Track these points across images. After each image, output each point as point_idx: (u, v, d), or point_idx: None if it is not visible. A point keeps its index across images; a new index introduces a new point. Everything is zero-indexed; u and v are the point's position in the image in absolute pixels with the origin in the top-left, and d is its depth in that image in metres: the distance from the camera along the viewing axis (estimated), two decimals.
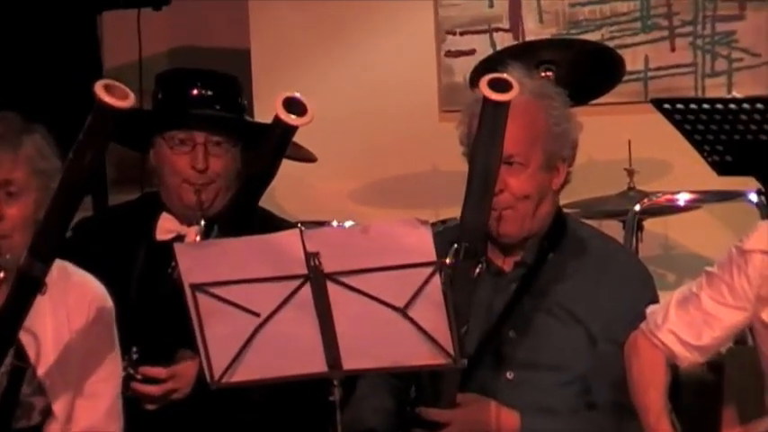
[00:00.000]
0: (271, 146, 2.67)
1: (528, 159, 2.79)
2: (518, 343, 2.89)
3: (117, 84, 2.29)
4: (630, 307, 2.86)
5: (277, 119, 2.45)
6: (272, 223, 3.12)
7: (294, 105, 2.50)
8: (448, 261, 2.33)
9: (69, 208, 2.42)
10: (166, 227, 3.11)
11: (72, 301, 2.68)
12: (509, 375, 2.85)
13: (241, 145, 3.17)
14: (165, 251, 2.58)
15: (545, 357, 2.92)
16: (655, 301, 2.85)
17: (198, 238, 2.88)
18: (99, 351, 2.72)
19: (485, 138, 2.58)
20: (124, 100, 2.24)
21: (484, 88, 2.46)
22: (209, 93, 3.20)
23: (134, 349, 2.91)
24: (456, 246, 2.48)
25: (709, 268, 2.72)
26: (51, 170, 2.57)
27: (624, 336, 2.83)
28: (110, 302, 2.70)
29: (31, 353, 2.61)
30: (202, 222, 2.97)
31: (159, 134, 3.15)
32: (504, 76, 2.59)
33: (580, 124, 2.96)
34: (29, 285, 2.39)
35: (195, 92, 3.19)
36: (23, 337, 2.54)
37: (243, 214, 2.77)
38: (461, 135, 2.82)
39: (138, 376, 2.89)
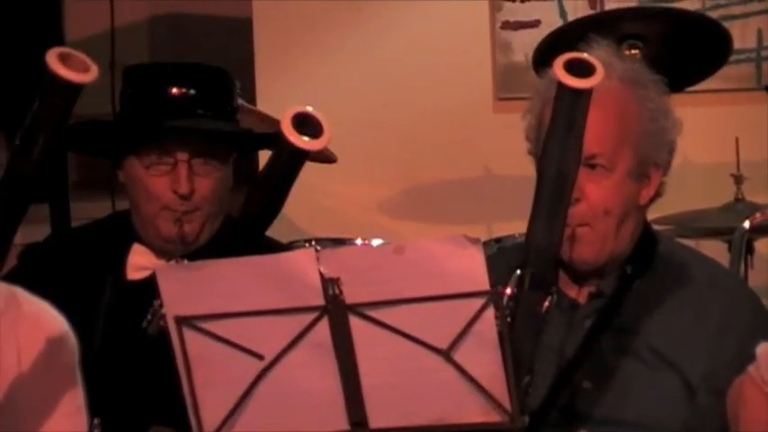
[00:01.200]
0: (275, 175, 2.61)
1: (614, 162, 2.78)
2: (595, 395, 2.86)
3: (75, 53, 2.26)
4: (741, 349, 2.79)
5: (284, 141, 2.40)
6: (275, 250, 2.96)
7: (306, 122, 2.46)
8: (508, 291, 2.29)
9: (15, 212, 2.35)
10: (139, 263, 3.08)
11: (23, 337, 2.64)
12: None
13: (234, 157, 3.14)
14: (138, 292, 2.67)
15: (629, 413, 2.87)
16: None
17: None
18: (57, 402, 2.68)
19: (560, 133, 2.50)
20: (84, 73, 2.20)
21: (559, 71, 2.41)
22: (193, 92, 3.14)
23: (95, 422, 2.83)
24: (520, 272, 2.41)
25: None
26: None
27: (728, 382, 2.77)
28: (72, 339, 2.65)
29: None
30: (185, 261, 2.82)
31: (130, 151, 3.11)
32: (586, 56, 2.52)
33: (680, 122, 2.94)
34: None
35: (175, 91, 3.14)
36: None
37: (240, 242, 2.67)
38: (528, 128, 2.80)
39: None
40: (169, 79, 3.27)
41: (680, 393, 2.89)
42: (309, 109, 2.53)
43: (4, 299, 2.62)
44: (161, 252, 3.16)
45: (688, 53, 4.29)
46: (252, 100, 4.90)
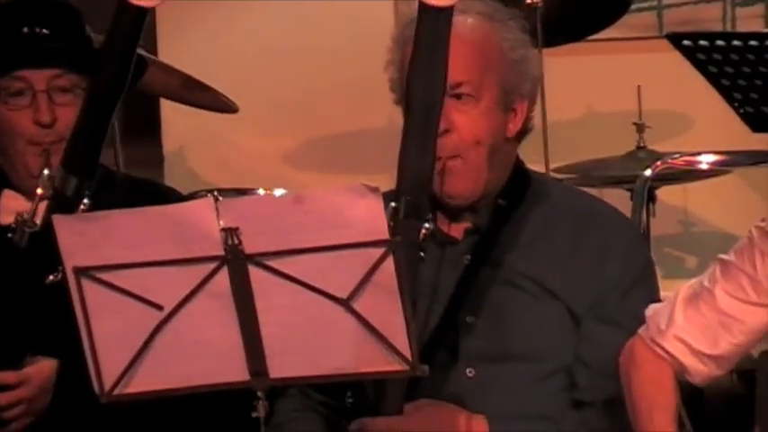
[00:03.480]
0: (117, 41, 2.71)
1: (480, 92, 2.83)
2: (478, 329, 2.90)
3: None
4: (623, 274, 2.92)
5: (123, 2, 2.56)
6: (176, 200, 3.08)
7: None
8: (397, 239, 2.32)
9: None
10: (11, 206, 3.04)
11: None
12: (469, 373, 2.85)
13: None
14: (14, 235, 2.68)
15: (515, 345, 2.92)
16: (654, 294, 2.93)
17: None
18: None
19: (424, 57, 2.57)
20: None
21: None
22: (45, 31, 3.17)
23: None
24: (394, 203, 2.47)
25: (724, 256, 2.72)
26: None
27: (617, 313, 2.90)
28: None
29: None
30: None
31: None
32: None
33: (540, 58, 3.12)
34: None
35: (26, 30, 3.18)
36: None
37: (92, 150, 2.80)
38: (391, 81, 2.89)
39: None
40: (21, 18, 3.32)
41: (565, 322, 2.95)
42: None
43: None
44: (33, 192, 3.03)
45: (590, 2, 4.44)
46: (153, 50, 4.99)
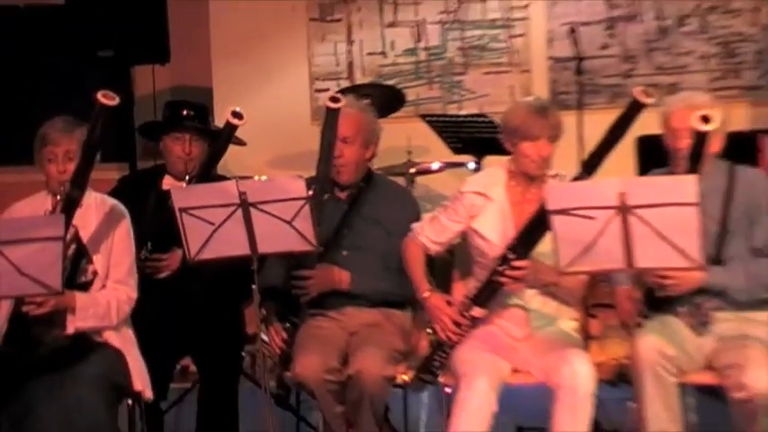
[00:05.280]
0: (221, 138, 4.97)
1: (354, 140, 4.96)
2: (349, 236, 5.08)
3: (110, 92, 4.27)
4: (407, 218, 5.05)
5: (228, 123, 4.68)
6: (222, 179, 5.07)
7: (237, 114, 4.75)
8: (310, 192, 4.35)
9: (90, 159, 4.42)
10: (168, 182, 5.46)
11: (106, 212, 4.67)
12: (344, 253, 5.06)
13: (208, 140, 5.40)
14: (167, 194, 4.68)
15: (364, 243, 5.09)
16: (418, 218, 5.01)
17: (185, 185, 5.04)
18: (119, 240, 4.69)
19: (328, 127, 4.77)
20: (112, 100, 4.27)
21: (326, 101, 4.75)
22: (191, 113, 5.69)
23: (149, 244, 5.22)
24: (314, 185, 4.60)
25: (445, 202, 4.91)
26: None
27: (404, 232, 4.95)
28: (126, 215, 4.72)
29: (86, 238, 4.57)
30: (186, 178, 5.21)
31: (166, 134, 5.54)
32: (337, 94, 4.89)
33: (381, 126, 5.16)
34: (71, 203, 4.37)
35: (184, 113, 5.71)
36: (82, 233, 4.53)
37: (207, 173, 5.01)
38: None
39: (153, 256, 5.23)
40: (182, 107, 5.73)
41: (383, 236, 5.06)
42: (238, 108, 4.77)
43: (100, 198, 4.71)
44: (177, 178, 5.41)
45: (387, 100, 7.36)
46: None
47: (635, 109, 4.56)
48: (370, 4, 8.14)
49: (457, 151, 7.07)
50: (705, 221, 4.09)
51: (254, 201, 4.40)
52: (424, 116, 7.36)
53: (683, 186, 4.01)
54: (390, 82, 7.98)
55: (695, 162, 4.34)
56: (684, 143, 4.48)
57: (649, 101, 4.52)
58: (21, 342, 4.52)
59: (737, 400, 4.37)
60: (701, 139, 4.32)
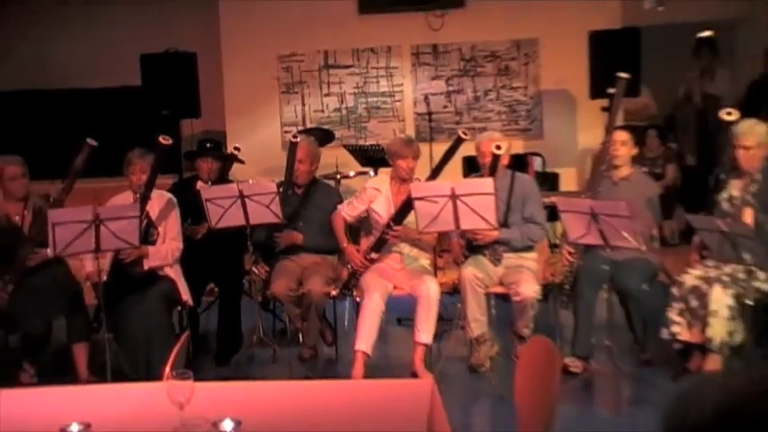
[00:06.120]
0: (228, 160, 5.17)
1: (305, 160, 5.04)
2: (302, 214, 5.13)
3: (167, 136, 4.53)
4: (334, 203, 5.07)
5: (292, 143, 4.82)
6: (229, 182, 5.20)
7: (237, 149, 5.03)
8: (280, 190, 4.65)
9: (155, 173, 4.64)
10: (199, 185, 5.27)
11: (164, 200, 4.83)
12: (300, 224, 5.10)
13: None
14: (198, 191, 4.81)
15: (310, 217, 5.11)
16: (341, 203, 5.09)
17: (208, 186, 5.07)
18: (172, 217, 4.84)
19: (290, 153, 4.99)
20: (167, 141, 4.54)
21: (290, 138, 5.03)
22: (212, 146, 5.60)
23: (189, 219, 5.17)
24: (282, 186, 4.81)
25: (356, 193, 5.03)
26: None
27: (332, 210, 5.04)
28: (175, 202, 4.83)
29: (153, 216, 4.76)
30: (209, 182, 5.22)
31: (197, 157, 5.47)
32: (296, 134, 5.15)
33: (320, 152, 5.20)
34: (144, 198, 4.63)
35: (208, 146, 5.57)
36: (151, 214, 4.73)
37: (222, 179, 5.17)
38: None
39: (191, 226, 5.16)
40: (206, 142, 5.63)
41: (322, 216, 5.02)
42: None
43: (161, 193, 4.82)
44: (205, 182, 5.26)
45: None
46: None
47: (459, 142, 4.92)
48: (314, 83, 8.16)
49: (363, 165, 7.09)
50: (498, 203, 4.47)
51: (247, 194, 4.78)
52: (345, 146, 7.47)
53: (486, 184, 4.42)
54: (326, 126, 7.92)
55: (492, 171, 4.74)
56: (487, 160, 4.83)
57: (467, 138, 4.90)
58: (118, 275, 4.74)
59: (515, 302, 4.76)
60: (495, 158, 4.74)
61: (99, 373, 4.49)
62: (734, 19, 8.78)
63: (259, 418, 2.09)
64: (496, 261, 4.83)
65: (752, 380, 1.00)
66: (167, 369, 2.13)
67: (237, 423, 2.03)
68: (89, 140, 4.44)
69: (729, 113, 4.38)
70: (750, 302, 4.16)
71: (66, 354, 4.71)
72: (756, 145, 4.26)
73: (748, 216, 4.20)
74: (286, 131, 7.92)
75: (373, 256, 4.85)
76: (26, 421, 2.25)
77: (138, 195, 4.71)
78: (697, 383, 1.04)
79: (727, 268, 4.26)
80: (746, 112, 4.55)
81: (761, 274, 4.18)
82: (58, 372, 4.73)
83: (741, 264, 4.09)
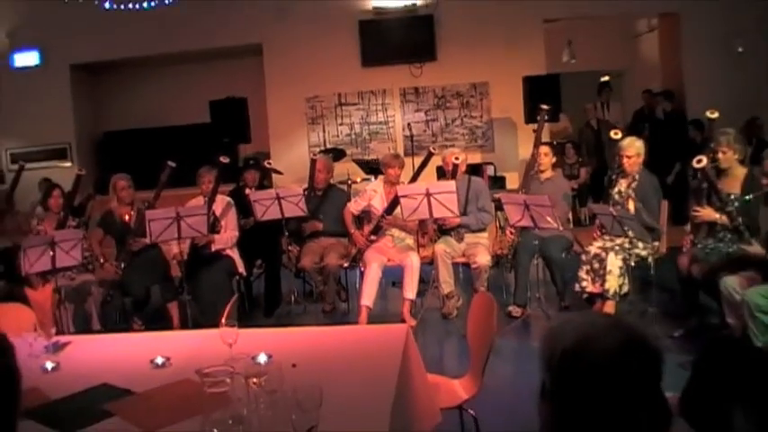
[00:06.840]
0: (266, 171, 4.85)
1: (323, 171, 4.80)
2: (321, 209, 4.88)
3: (226, 156, 4.40)
4: (344, 201, 4.83)
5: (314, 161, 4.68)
6: (268, 188, 4.91)
7: (270, 163, 4.71)
8: (305, 192, 4.48)
9: (218, 183, 4.51)
10: (248, 191, 4.99)
11: (225, 202, 4.70)
12: (321, 216, 4.87)
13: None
14: (248, 196, 4.63)
15: (328, 212, 4.81)
16: (349, 200, 4.87)
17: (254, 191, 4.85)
18: (230, 214, 4.70)
19: (312, 167, 4.77)
20: (226, 160, 4.42)
21: (313, 156, 4.79)
22: (255, 162, 5.40)
23: (241, 216, 4.87)
24: (307, 189, 4.61)
25: (361, 193, 4.80)
26: None
27: (344, 206, 4.76)
28: (233, 204, 4.67)
29: (217, 213, 4.63)
30: (254, 189, 4.93)
31: (246, 171, 5.17)
32: (318, 154, 5.19)
33: (334, 165, 4.92)
34: (210, 201, 4.48)
35: (251, 162, 5.41)
36: (216, 212, 4.55)
37: (262, 185, 4.89)
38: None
39: (243, 220, 4.89)
40: (251, 159, 5.33)
41: (336, 210, 4.79)
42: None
43: (223, 197, 4.62)
44: (251, 188, 4.94)
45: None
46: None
47: (430, 156, 4.91)
48: (331, 116, 7.86)
49: (366, 173, 6.86)
50: (459, 198, 4.44)
51: (282, 196, 4.74)
52: (354, 160, 7.27)
53: (450, 185, 4.39)
54: (340, 147, 7.66)
55: (454, 175, 4.70)
56: (449, 168, 4.80)
57: (435, 152, 4.90)
58: (195, 255, 4.72)
59: (473, 269, 4.69)
60: (455, 166, 4.70)
61: (182, 324, 4.46)
62: (623, 68, 9.27)
63: (286, 354, 2.08)
64: (459, 239, 4.74)
65: (593, 323, 1.04)
66: (222, 320, 2.12)
67: (269, 356, 2.03)
68: (169, 163, 4.48)
69: (616, 133, 4.44)
70: (632, 264, 4.18)
71: (162, 310, 4.67)
72: (636, 154, 4.25)
73: (631, 205, 4.21)
74: (312, 151, 7.72)
75: (372, 238, 4.77)
76: (132, 355, 2.32)
77: (206, 199, 4.66)
78: (561, 323, 1.06)
79: (618, 240, 4.23)
80: (631, 132, 4.73)
81: (640, 244, 4.16)
82: (156, 322, 4.64)
83: (626, 237, 4.10)
